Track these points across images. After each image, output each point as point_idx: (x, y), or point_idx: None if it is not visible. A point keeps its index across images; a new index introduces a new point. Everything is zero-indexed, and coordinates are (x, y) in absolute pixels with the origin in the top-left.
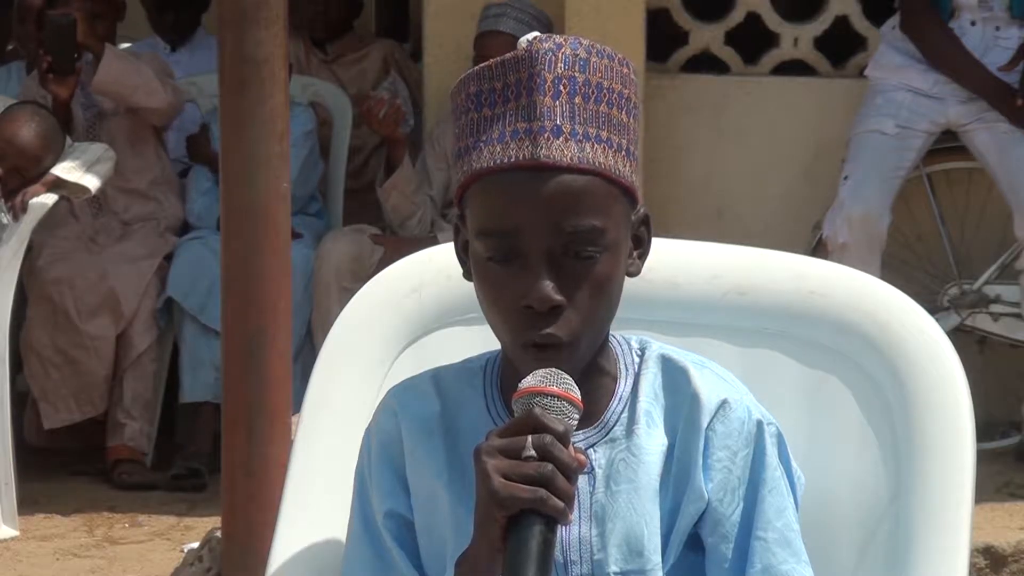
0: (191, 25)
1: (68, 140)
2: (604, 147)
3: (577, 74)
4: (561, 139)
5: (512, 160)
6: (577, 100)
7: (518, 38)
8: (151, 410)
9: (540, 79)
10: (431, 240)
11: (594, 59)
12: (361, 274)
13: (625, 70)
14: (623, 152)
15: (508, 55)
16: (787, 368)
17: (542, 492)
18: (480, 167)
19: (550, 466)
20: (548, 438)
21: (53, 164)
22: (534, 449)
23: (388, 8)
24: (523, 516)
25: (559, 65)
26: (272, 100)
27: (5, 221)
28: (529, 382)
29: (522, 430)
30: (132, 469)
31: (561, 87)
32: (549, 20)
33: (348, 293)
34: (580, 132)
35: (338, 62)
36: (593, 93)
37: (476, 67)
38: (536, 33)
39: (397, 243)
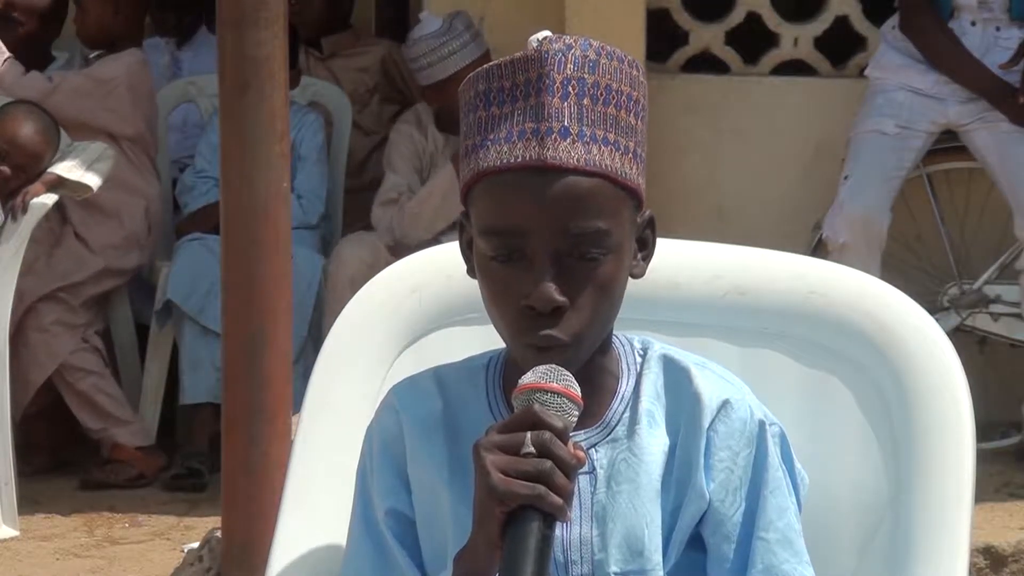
0: (193, 24)
1: (68, 140)
2: (611, 149)
3: (586, 75)
4: (568, 140)
5: (518, 160)
6: (585, 102)
7: (487, 52)
8: (118, 411)
9: (549, 80)
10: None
11: (603, 61)
12: None
13: (634, 72)
14: (630, 155)
15: (518, 54)
16: (787, 368)
17: (540, 488)
18: (486, 166)
19: (549, 463)
20: (547, 435)
21: (51, 161)
22: (533, 446)
23: (388, 7)
24: (521, 512)
25: (568, 66)
26: (272, 100)
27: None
28: (529, 378)
29: (521, 426)
30: (118, 469)
31: (570, 88)
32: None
33: None
34: (588, 134)
35: (334, 59)
36: (602, 95)
37: (485, 65)
38: (546, 33)
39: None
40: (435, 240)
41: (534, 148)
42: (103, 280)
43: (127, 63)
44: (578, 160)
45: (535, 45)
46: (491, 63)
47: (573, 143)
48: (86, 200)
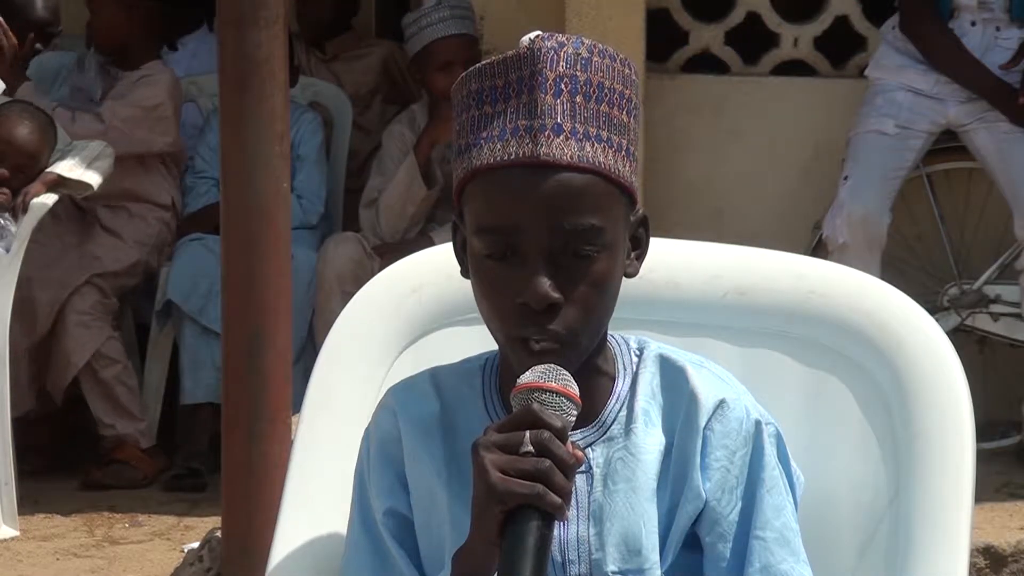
0: (192, 24)
1: (66, 139)
2: (604, 146)
3: (579, 73)
4: (561, 137)
5: (512, 157)
6: (578, 99)
7: (466, 35)
8: (132, 407)
9: (541, 77)
10: (427, 242)
11: (596, 59)
12: (363, 279)
13: (627, 71)
14: (623, 152)
15: (510, 52)
16: (787, 368)
17: (539, 487)
18: (479, 164)
19: (547, 462)
20: (546, 434)
21: (49, 160)
22: (532, 445)
23: (389, 8)
24: (520, 512)
25: (561, 64)
26: (272, 100)
27: (2, 222)
28: (527, 378)
29: (520, 426)
30: (119, 470)
31: (562, 85)
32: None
33: (350, 297)
34: (580, 131)
35: (336, 61)
36: (594, 92)
37: (478, 64)
38: (538, 32)
39: (395, 254)
40: (425, 237)
41: (527, 145)
42: (137, 271)
43: (167, 84)
44: (571, 157)
45: (527, 43)
46: (483, 62)
47: (566, 140)
48: (112, 201)
